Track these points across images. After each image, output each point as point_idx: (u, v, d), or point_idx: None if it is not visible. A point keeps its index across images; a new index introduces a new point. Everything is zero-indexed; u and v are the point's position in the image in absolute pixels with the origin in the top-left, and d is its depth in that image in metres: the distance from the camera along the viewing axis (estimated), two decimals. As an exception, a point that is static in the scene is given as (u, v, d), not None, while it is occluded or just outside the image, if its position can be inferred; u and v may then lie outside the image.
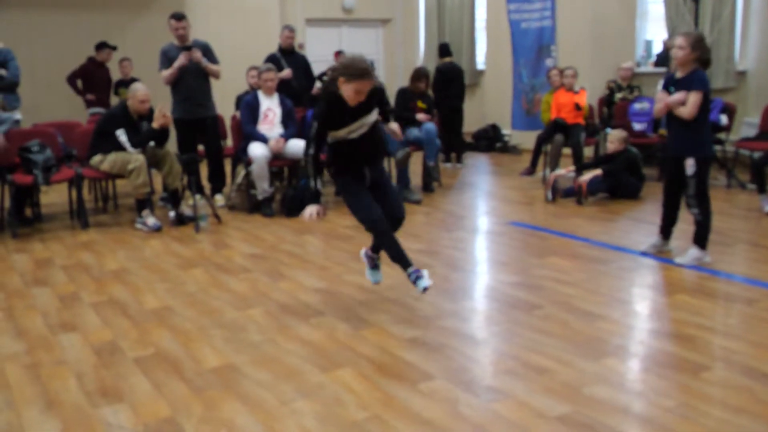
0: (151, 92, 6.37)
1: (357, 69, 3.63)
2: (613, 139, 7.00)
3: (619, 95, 8.82)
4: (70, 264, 5.19)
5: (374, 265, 4.16)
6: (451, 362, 3.33)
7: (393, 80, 12.35)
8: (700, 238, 4.73)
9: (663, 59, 9.01)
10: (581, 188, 6.72)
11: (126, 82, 8.91)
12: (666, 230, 4.98)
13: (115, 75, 9.55)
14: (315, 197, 3.80)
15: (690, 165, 4.62)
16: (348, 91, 3.66)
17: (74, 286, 4.66)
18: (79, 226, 6.36)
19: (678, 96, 4.55)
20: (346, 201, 3.88)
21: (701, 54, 4.52)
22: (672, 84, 4.65)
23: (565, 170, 7.16)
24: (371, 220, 3.78)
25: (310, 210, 3.80)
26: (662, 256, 4.90)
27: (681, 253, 4.84)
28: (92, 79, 9.38)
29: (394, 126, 4.11)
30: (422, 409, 2.88)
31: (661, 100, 4.67)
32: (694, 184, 4.63)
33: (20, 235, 6.06)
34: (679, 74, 4.62)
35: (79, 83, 9.36)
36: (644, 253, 4.97)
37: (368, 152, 3.88)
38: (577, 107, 7.80)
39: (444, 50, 9.59)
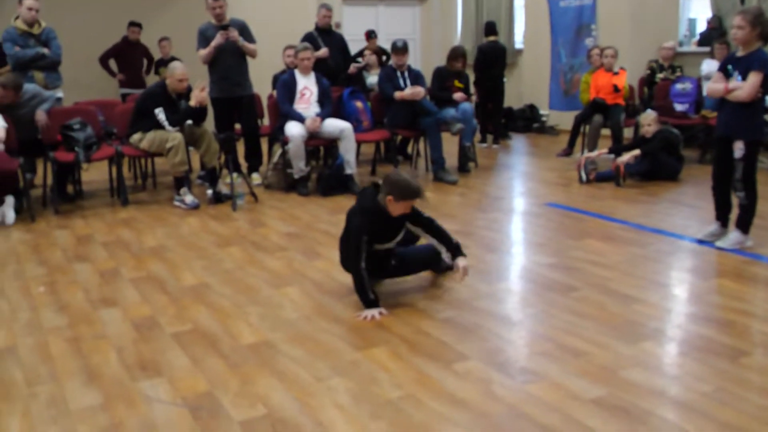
0: (190, 71, 6.42)
1: (411, 191, 3.69)
2: (646, 122, 6.87)
3: (660, 75, 8.67)
4: (110, 240, 5.29)
5: None
6: (486, 343, 3.34)
7: (429, 59, 12.25)
8: (743, 222, 4.64)
9: (707, 39, 8.80)
10: (619, 169, 6.63)
11: (166, 62, 8.99)
12: (722, 216, 4.80)
13: (154, 54, 9.65)
14: (374, 303, 3.71)
15: (739, 148, 4.50)
16: (397, 209, 3.74)
17: (114, 262, 4.75)
18: (118, 204, 6.47)
19: (738, 84, 4.42)
20: (353, 241, 3.72)
21: (762, 30, 4.36)
22: (732, 63, 4.51)
23: (596, 153, 7.05)
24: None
25: (371, 313, 3.67)
26: (708, 241, 4.81)
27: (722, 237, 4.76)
28: (125, 58, 9.49)
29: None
30: (456, 389, 2.89)
31: (718, 81, 4.53)
32: (742, 168, 4.52)
33: (62, 212, 6.19)
34: (740, 53, 4.48)
35: (113, 63, 9.48)
36: (702, 242, 4.81)
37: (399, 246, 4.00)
38: (616, 89, 7.67)
39: (490, 29, 9.49)
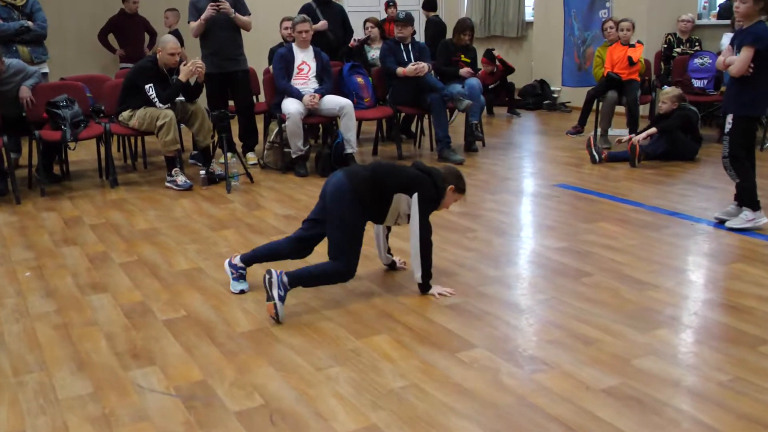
0: (190, 46, 6.37)
1: (464, 186, 3.88)
2: (666, 97, 6.84)
3: (677, 49, 8.62)
4: (100, 223, 5.30)
5: (241, 276, 3.96)
6: (494, 331, 3.35)
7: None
8: (746, 199, 4.68)
9: (727, 11, 8.76)
10: (635, 148, 6.61)
11: (171, 34, 8.92)
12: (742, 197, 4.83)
13: (157, 28, 9.52)
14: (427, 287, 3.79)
15: (728, 122, 4.60)
16: (449, 199, 3.83)
17: (104, 246, 4.76)
18: (108, 185, 6.48)
19: (733, 58, 4.49)
20: (346, 236, 3.66)
21: (766, 4, 4.39)
22: (735, 36, 4.57)
23: (644, 135, 6.87)
24: (351, 272, 3.70)
25: (439, 290, 3.78)
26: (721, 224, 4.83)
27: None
28: (123, 32, 9.42)
29: None
30: (462, 378, 2.91)
31: (726, 55, 4.58)
32: (727, 144, 4.60)
33: (49, 193, 6.20)
34: (744, 26, 4.52)
35: (112, 39, 9.42)
36: (719, 224, 4.83)
37: None
38: (630, 62, 7.62)
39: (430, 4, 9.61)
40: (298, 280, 3.59)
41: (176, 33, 8.69)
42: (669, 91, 6.91)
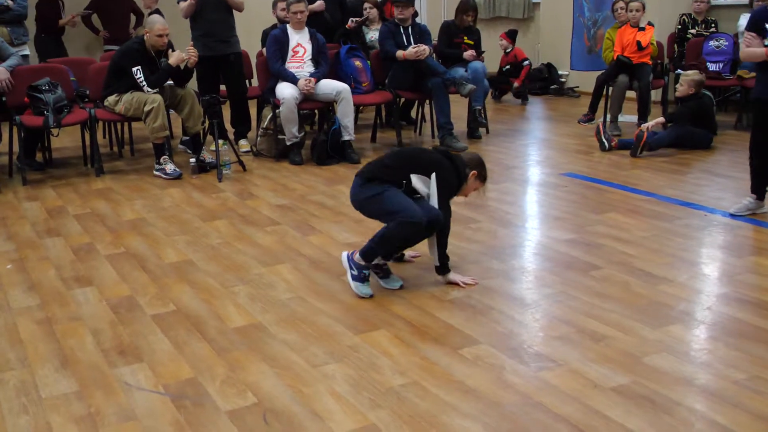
0: (171, 27, 6.37)
1: (486, 174, 3.96)
2: (685, 80, 6.78)
3: (692, 31, 8.60)
4: (84, 213, 5.30)
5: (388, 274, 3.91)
6: (498, 326, 3.35)
7: (436, 13, 12.18)
8: (756, 187, 4.69)
9: (745, -9, 8.73)
10: (642, 135, 6.54)
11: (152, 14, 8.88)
12: (758, 188, 4.81)
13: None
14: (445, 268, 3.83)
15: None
16: (471, 186, 3.89)
17: (89, 237, 4.75)
18: (93, 173, 6.46)
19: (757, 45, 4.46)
20: (387, 203, 3.65)
21: None
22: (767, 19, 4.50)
23: (652, 123, 6.84)
24: (418, 217, 3.63)
25: (459, 278, 3.82)
26: (755, 218, 4.81)
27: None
28: (107, 13, 9.40)
29: None
30: (465, 376, 2.91)
31: (752, 43, 4.51)
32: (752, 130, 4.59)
33: (31, 182, 6.19)
34: None
35: (96, 19, 9.39)
36: (735, 215, 4.81)
37: None
38: (639, 46, 7.58)
39: None
40: (371, 251, 3.66)
41: (157, 13, 8.67)
42: (690, 74, 6.85)
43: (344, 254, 3.79)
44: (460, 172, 3.78)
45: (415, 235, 3.68)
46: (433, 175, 3.69)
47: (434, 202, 3.71)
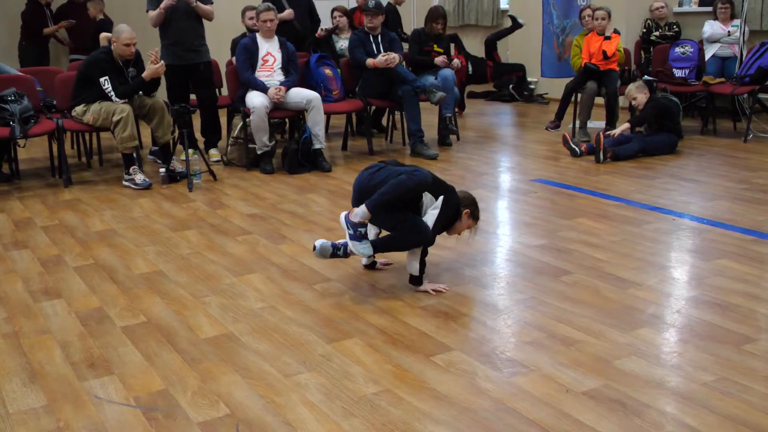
0: (140, 35, 6.34)
1: (479, 214, 3.99)
2: (631, 94, 6.91)
3: (656, 33, 8.72)
4: (52, 225, 5.23)
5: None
6: (470, 333, 3.36)
7: (406, 21, 12.20)
8: None
9: (708, -1, 8.89)
10: (599, 141, 6.59)
11: (98, 24, 8.80)
12: None
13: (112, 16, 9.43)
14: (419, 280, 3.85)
15: None
16: (464, 224, 3.92)
17: (57, 249, 4.70)
18: (61, 184, 6.39)
19: None
20: (395, 218, 3.75)
21: None
22: None
23: (619, 131, 6.89)
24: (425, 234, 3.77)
25: (432, 286, 3.84)
26: (705, 218, 4.89)
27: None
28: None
29: None
30: (438, 383, 2.91)
31: None
32: None
33: (-3, 194, 6.11)
34: None
35: (62, 30, 9.32)
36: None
37: None
38: (605, 55, 7.67)
39: None
40: (375, 246, 3.75)
41: (102, 22, 8.66)
42: (631, 86, 7.01)
43: (342, 215, 3.77)
44: (458, 207, 3.84)
45: (417, 244, 3.75)
46: (441, 198, 3.76)
47: (430, 221, 3.74)
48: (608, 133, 6.86)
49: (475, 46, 11.27)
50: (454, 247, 4.47)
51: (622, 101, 7.99)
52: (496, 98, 10.80)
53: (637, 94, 6.89)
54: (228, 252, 4.56)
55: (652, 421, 2.61)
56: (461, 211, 3.86)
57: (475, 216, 3.95)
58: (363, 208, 3.64)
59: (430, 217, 3.76)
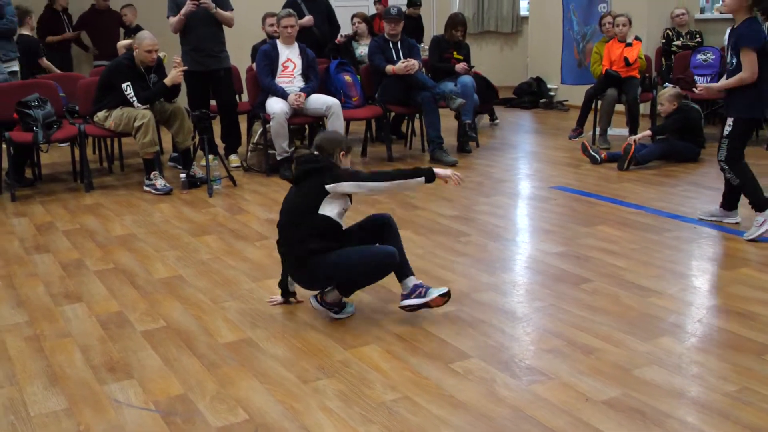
0: (162, 41, 6.38)
1: (351, 145, 3.81)
2: (664, 98, 6.83)
3: (677, 42, 8.67)
4: (74, 229, 5.28)
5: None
6: (489, 340, 3.35)
7: (426, 28, 12.21)
8: (753, 203, 4.68)
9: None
10: (629, 149, 6.56)
11: (131, 31, 8.93)
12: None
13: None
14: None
15: (728, 124, 4.64)
16: (346, 163, 3.69)
17: (78, 253, 4.74)
18: (82, 189, 6.44)
19: (720, 84, 4.71)
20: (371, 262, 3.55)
21: None
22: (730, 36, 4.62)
23: (639, 136, 6.87)
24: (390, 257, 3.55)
25: (447, 172, 3.69)
26: (726, 226, 4.85)
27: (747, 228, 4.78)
28: (96, 29, 9.43)
29: None
30: (456, 390, 2.91)
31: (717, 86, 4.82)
32: (725, 146, 4.64)
33: (20, 198, 6.16)
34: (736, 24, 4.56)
35: (85, 36, 9.41)
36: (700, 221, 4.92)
37: None
38: (627, 62, 7.63)
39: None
40: (346, 287, 3.61)
41: (138, 29, 8.73)
42: (666, 91, 6.92)
43: (312, 300, 3.62)
44: (331, 162, 3.58)
45: (391, 267, 3.55)
46: (335, 185, 3.47)
47: (369, 188, 3.57)
48: (630, 140, 6.82)
49: (494, 52, 11.29)
50: (473, 254, 4.46)
51: (643, 108, 7.95)
52: (516, 105, 10.76)
53: (665, 101, 6.81)
54: (247, 257, 4.57)
55: (673, 430, 2.59)
56: (335, 158, 3.61)
57: (348, 149, 3.69)
58: (335, 291, 3.56)
59: (348, 188, 3.50)
